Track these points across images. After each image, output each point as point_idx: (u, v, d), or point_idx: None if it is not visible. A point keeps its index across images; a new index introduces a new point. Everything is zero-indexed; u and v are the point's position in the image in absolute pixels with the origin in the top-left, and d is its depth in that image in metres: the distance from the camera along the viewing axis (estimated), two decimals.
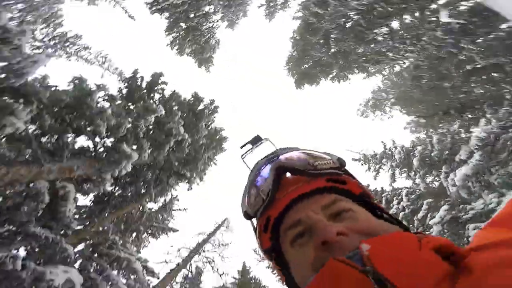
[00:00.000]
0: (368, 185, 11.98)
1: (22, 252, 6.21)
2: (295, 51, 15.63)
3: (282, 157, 0.66)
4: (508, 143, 7.59)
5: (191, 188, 13.06)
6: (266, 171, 0.67)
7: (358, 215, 0.55)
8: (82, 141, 7.09)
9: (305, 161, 0.63)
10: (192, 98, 11.69)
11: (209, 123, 13.10)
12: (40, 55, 4.77)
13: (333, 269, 0.43)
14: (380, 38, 10.93)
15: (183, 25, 13.44)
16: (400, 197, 10.09)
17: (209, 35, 14.90)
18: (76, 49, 13.37)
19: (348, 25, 10.95)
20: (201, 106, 12.03)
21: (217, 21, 15.86)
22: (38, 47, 12.16)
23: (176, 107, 10.10)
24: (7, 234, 5.61)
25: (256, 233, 0.67)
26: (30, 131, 4.84)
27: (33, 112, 4.97)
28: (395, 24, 10.68)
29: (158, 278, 10.01)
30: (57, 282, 5.36)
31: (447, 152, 9.77)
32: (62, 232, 7.14)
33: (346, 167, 0.69)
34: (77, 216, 8.63)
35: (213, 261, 14.22)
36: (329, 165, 0.64)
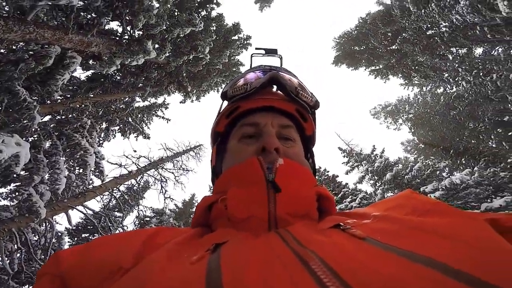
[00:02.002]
0: (337, 176, 13.03)
1: None
2: (355, 31, 14.60)
3: (282, 73, 0.74)
4: (472, 196, 8.35)
5: (184, 102, 13.06)
6: (264, 73, 0.74)
7: (297, 148, 0.67)
8: (114, 25, 6.39)
9: (294, 86, 0.71)
10: (231, 27, 11.71)
11: (235, 54, 13.16)
12: None
13: (249, 164, 0.56)
14: (450, 57, 10.40)
15: None
16: (355, 197, 11.04)
17: None
18: None
19: (429, 32, 10.18)
20: (235, 37, 12.10)
21: None
22: None
23: (213, 29, 10.00)
24: None
25: (218, 114, 0.77)
26: (75, 2, 4.20)
27: None
28: (478, 51, 10.16)
29: (103, 181, 9.63)
30: (3, 155, 4.77)
31: (418, 180, 10.63)
32: (40, 98, 6.54)
33: (316, 110, 0.79)
34: (64, 87, 7.95)
35: (166, 181, 13.32)
36: (307, 100, 0.73)
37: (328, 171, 13.42)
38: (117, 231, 10.18)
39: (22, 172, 5.97)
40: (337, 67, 17.45)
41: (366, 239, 0.39)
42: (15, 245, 6.66)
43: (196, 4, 9.24)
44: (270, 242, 0.42)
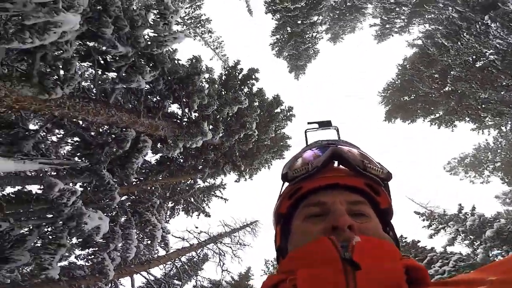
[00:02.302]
0: (419, 241, 12.15)
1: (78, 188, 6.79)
2: (398, 80, 14.72)
3: (343, 147, 0.74)
4: None
5: (239, 181, 13.77)
6: (323, 150, 0.74)
7: (372, 223, 0.63)
8: (174, 108, 7.98)
9: (359, 159, 0.70)
10: (272, 100, 12.45)
11: (280, 128, 13.65)
12: (180, 34, 5.78)
13: (320, 243, 0.53)
14: None
15: (289, 29, 14.00)
16: (447, 261, 9.97)
17: (310, 44, 15.26)
18: (202, 31, 15.38)
19: (478, 64, 9.77)
20: (278, 110, 12.69)
21: (321, 32, 16.09)
22: (178, 23, 14.28)
23: (256, 104, 10.87)
24: (78, 168, 6.46)
25: (280, 196, 0.76)
26: (143, 85, 5.70)
27: (154, 76, 5.96)
28: None
29: (167, 252, 10.61)
30: (87, 227, 5.78)
31: None
32: (119, 180, 7.95)
33: (389, 182, 0.75)
34: (137, 170, 9.52)
35: (224, 255, 14.35)
36: (377, 172, 0.70)
37: (405, 238, 12.50)
38: None
39: (100, 240, 6.87)
40: (391, 123, 16.95)
41: None
42: None
43: (239, 82, 10.38)
44: None
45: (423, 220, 13.33)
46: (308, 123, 0.98)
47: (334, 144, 0.77)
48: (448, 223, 12.26)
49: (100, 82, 5.57)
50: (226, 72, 10.46)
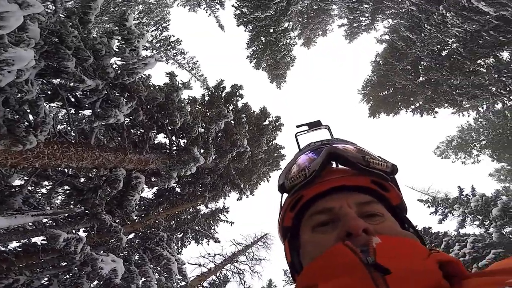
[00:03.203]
0: (430, 227, 11.83)
1: (81, 233, 6.75)
2: (375, 76, 14.98)
3: (338, 145, 0.67)
4: None
5: (241, 199, 13.51)
6: (318, 152, 0.67)
7: (387, 222, 0.57)
8: (161, 138, 7.81)
9: (359, 155, 0.63)
10: (259, 113, 12.32)
11: (271, 139, 13.53)
12: (150, 58, 5.48)
13: (337, 251, 0.47)
14: (483, 70, 9.70)
15: (263, 39, 14.21)
16: (464, 243, 9.75)
17: (285, 51, 15.44)
18: (174, 53, 15.27)
19: (443, 53, 10.03)
20: (266, 122, 12.57)
21: (294, 38, 16.41)
22: (146, 48, 14.22)
23: (244, 119, 10.78)
24: (76, 214, 6.27)
25: (281, 209, 0.69)
26: (125, 122, 5.56)
27: (132, 107, 5.68)
28: (505, 54, 9.41)
29: (187, 283, 10.28)
30: (104, 271, 5.63)
31: None
32: (121, 220, 7.83)
33: (396, 176, 0.68)
34: (137, 207, 9.35)
35: (242, 273, 14.38)
36: (381, 167, 0.63)
37: (416, 226, 11.95)
38: None
39: (121, 281, 6.63)
40: (376, 119, 17.11)
41: None
42: None
43: (223, 101, 10.24)
44: None
45: (428, 206, 13.08)
46: (297, 126, 0.92)
47: (328, 144, 0.71)
48: (453, 206, 12.09)
49: (76, 122, 5.41)
50: (209, 93, 10.32)
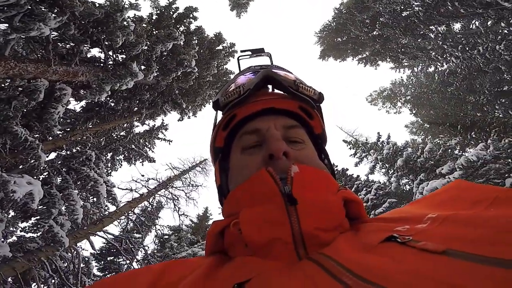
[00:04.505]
0: (347, 169, 12.63)
1: None
2: (334, 22, 14.70)
3: (275, 70, 0.67)
4: (492, 172, 7.89)
5: (182, 119, 13.17)
6: (255, 74, 0.68)
7: (307, 149, 0.59)
8: (95, 52, 6.63)
9: (291, 79, 0.64)
10: (214, 37, 11.73)
11: (222, 64, 13.08)
12: None
13: (258, 177, 0.48)
14: (431, 35, 10.39)
15: None
16: (370, 189, 10.50)
17: None
18: None
19: (404, 13, 10.23)
20: (220, 47, 12.05)
21: None
22: None
23: (195, 42, 10.02)
24: None
25: (214, 128, 0.69)
26: (51, 36, 4.45)
27: (62, 21, 4.70)
28: (457, 26, 10.14)
29: (117, 207, 9.92)
30: (17, 195, 5.02)
31: (432, 162, 10.08)
32: (41, 136, 6.85)
33: (322, 106, 0.71)
34: (61, 121, 8.26)
35: (177, 199, 13.68)
36: (309, 94, 0.65)
37: (336, 166, 12.80)
38: (139, 252, 10.88)
39: (40, 207, 6.17)
40: (324, 61, 17.59)
41: (447, 253, 0.30)
42: (47, 273, 6.93)
43: (173, 21, 9.32)
44: (307, 277, 0.35)
45: (350, 148, 13.70)
46: (241, 51, 0.91)
47: (265, 67, 0.70)
48: (369, 151, 12.70)
49: None
50: (157, 12, 9.17)
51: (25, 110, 5.70)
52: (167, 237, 13.21)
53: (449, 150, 10.89)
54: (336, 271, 0.33)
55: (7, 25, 3.95)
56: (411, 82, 19.88)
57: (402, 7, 10.32)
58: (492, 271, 0.26)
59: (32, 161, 5.87)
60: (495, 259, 0.27)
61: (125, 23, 5.94)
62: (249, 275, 0.38)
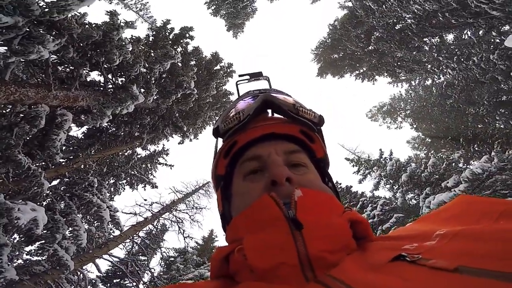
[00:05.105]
0: (351, 186, 12.70)
1: None
2: (329, 39, 15.18)
3: (273, 94, 0.67)
4: (498, 183, 7.78)
5: (183, 142, 13.18)
6: (254, 99, 0.68)
7: (310, 173, 0.59)
8: (95, 75, 6.81)
9: (291, 103, 0.64)
10: (211, 57, 11.87)
11: (221, 84, 13.20)
12: None
13: (262, 203, 0.48)
14: (426, 48, 10.61)
15: None
16: (375, 205, 10.53)
17: (248, 2, 14.28)
18: None
19: (397, 26, 10.54)
20: (218, 67, 12.15)
21: None
22: None
23: (193, 62, 10.21)
24: None
25: (215, 155, 0.68)
26: (50, 59, 4.60)
27: (61, 44, 4.85)
28: (449, 37, 10.38)
29: (121, 231, 9.91)
30: (22, 221, 5.05)
31: (436, 176, 10.06)
32: (43, 163, 6.96)
33: (322, 127, 0.71)
34: (63, 148, 8.35)
35: (182, 222, 13.66)
36: (309, 116, 0.65)
37: (340, 183, 13.04)
38: (146, 274, 10.99)
39: (44, 232, 6.20)
40: (322, 79, 17.89)
41: (459, 270, 0.30)
42: None
43: (170, 42, 9.48)
44: None
45: (353, 166, 13.81)
46: (239, 75, 0.93)
47: (264, 92, 0.70)
48: (372, 168, 12.80)
49: None
50: (153, 33, 9.35)
51: (27, 138, 5.76)
52: (173, 259, 13.20)
53: (453, 164, 10.96)
54: None
55: (6, 48, 4.07)
56: (410, 96, 20.06)
57: (395, 20, 10.65)
58: (507, 286, 0.26)
59: (35, 188, 5.89)
60: (508, 274, 0.27)
61: (122, 42, 6.09)
62: None
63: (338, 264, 0.42)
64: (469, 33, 10.02)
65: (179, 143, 13.35)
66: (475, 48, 10.24)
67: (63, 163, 8.28)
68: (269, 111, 0.69)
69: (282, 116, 0.66)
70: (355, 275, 0.36)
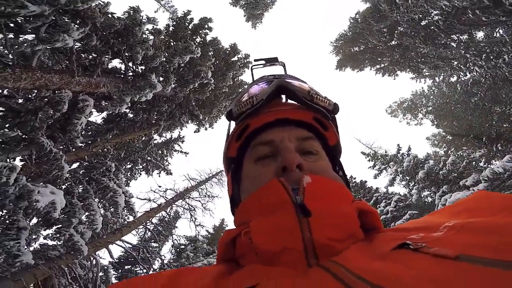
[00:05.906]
0: (366, 181, 12.59)
1: (18, 162, 5.86)
2: (350, 32, 14.76)
3: (288, 79, 0.66)
4: None
5: (199, 131, 13.42)
6: (269, 83, 0.67)
7: (321, 160, 0.59)
8: (116, 63, 6.95)
9: (306, 90, 0.64)
10: (229, 48, 11.90)
11: (238, 75, 13.29)
12: None
13: (270, 187, 0.48)
14: (453, 44, 10.13)
15: None
16: (389, 201, 10.36)
17: None
18: None
19: (423, 22, 10.09)
20: (235, 58, 12.22)
21: None
22: None
23: (211, 53, 10.24)
24: (12, 139, 5.48)
25: (227, 138, 0.68)
26: (74, 47, 4.76)
27: (84, 32, 5.00)
28: (479, 35, 9.85)
29: (134, 217, 10.09)
30: (40, 204, 5.14)
31: (455, 174, 9.75)
32: (64, 146, 7.19)
33: (336, 115, 0.70)
34: (83, 132, 8.63)
35: (194, 210, 13.92)
36: (324, 104, 0.64)
37: (354, 178, 12.95)
38: (156, 261, 11.32)
39: (61, 216, 6.36)
40: (341, 72, 17.51)
41: (460, 258, 0.30)
42: (67, 281, 7.18)
43: (189, 32, 9.56)
44: (317, 283, 0.35)
45: (368, 160, 13.51)
46: (255, 60, 0.92)
47: (279, 77, 0.70)
48: (389, 163, 12.51)
49: (16, 46, 4.48)
50: (174, 23, 9.44)
51: (50, 121, 6.01)
52: (183, 247, 13.43)
53: (473, 162, 10.57)
54: (347, 278, 0.33)
55: (33, 35, 4.25)
56: (432, 92, 19.33)
57: (421, 15, 10.18)
58: (505, 274, 0.26)
59: (56, 171, 6.06)
60: (507, 262, 0.27)
61: (144, 36, 6.19)
62: (257, 280, 0.38)
63: (342, 251, 0.42)
64: (501, 31, 9.47)
65: (194, 132, 13.59)
66: (506, 47, 9.70)
67: (83, 147, 8.60)
68: (283, 96, 0.68)
69: (296, 102, 0.65)
70: (358, 261, 0.36)
